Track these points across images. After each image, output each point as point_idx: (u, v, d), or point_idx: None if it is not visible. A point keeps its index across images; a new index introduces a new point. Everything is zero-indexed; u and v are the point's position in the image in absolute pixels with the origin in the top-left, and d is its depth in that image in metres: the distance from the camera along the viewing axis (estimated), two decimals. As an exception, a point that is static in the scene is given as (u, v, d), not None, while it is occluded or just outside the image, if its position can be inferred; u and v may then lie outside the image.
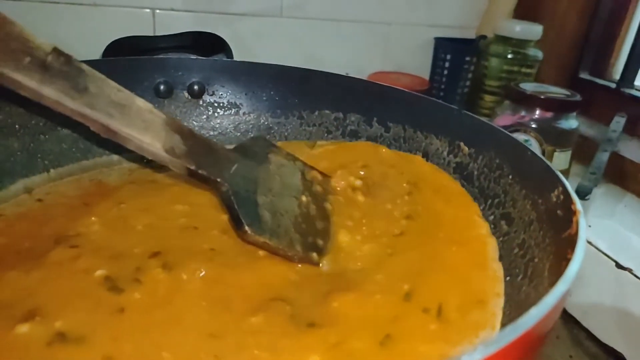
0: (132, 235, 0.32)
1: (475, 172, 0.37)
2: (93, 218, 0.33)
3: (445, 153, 0.40)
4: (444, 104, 0.41)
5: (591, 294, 0.49)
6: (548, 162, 0.30)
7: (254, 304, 0.27)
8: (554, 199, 0.28)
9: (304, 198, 0.35)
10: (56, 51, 0.26)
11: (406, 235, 0.34)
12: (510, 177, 0.33)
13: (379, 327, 0.26)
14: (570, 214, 0.25)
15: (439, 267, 0.31)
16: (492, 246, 0.33)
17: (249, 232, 0.30)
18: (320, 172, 0.39)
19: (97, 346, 0.23)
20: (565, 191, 0.27)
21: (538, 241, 0.28)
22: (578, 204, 0.25)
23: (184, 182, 0.38)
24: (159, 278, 0.28)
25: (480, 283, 0.29)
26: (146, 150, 0.29)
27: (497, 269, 0.31)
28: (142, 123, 0.29)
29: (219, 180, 0.31)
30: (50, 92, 0.26)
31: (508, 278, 0.30)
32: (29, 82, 0.25)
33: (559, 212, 0.27)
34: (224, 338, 0.25)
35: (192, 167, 0.30)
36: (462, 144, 0.38)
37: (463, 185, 0.38)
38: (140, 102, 0.29)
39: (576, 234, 0.23)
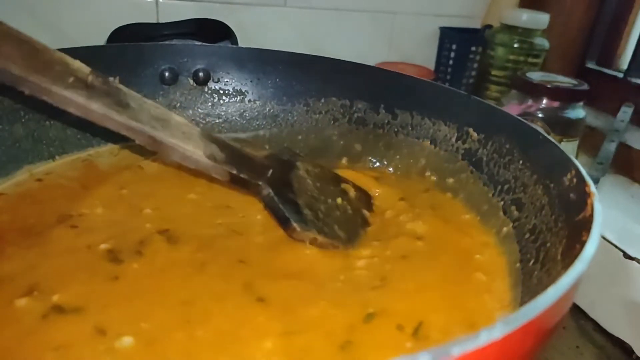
0: (141, 217, 0.33)
1: (485, 158, 0.36)
2: (96, 201, 0.34)
3: (453, 139, 0.39)
4: (453, 89, 0.40)
5: (598, 285, 0.48)
6: (560, 146, 0.29)
7: (226, 265, 0.29)
8: (567, 183, 0.27)
9: (339, 200, 0.36)
10: (93, 73, 0.28)
11: (412, 258, 0.32)
12: (521, 162, 0.33)
13: (335, 332, 0.25)
14: (584, 196, 0.25)
15: (437, 292, 0.29)
16: (506, 272, 0.31)
17: (298, 229, 0.31)
18: (353, 184, 0.39)
19: (89, 316, 0.24)
20: (578, 174, 0.27)
21: (550, 226, 0.28)
22: (592, 186, 0.25)
23: (171, 175, 0.39)
24: (160, 249, 0.29)
25: (480, 308, 0.28)
26: (190, 158, 0.30)
27: (506, 294, 0.29)
28: (182, 134, 0.30)
29: (260, 183, 0.32)
30: (98, 107, 0.27)
31: (518, 265, 0.30)
32: (77, 98, 0.27)
33: (572, 195, 0.27)
34: (194, 305, 0.26)
35: (234, 172, 0.31)
36: (471, 130, 0.38)
37: (472, 172, 0.38)
38: (177, 117, 0.31)
39: (591, 215, 0.23)
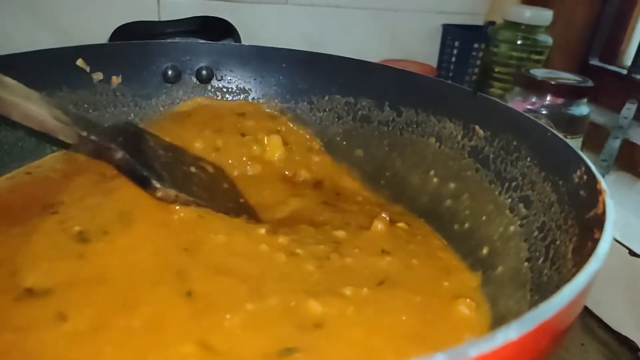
0: (114, 199, 0.33)
1: (491, 156, 0.36)
2: (76, 189, 0.34)
3: (459, 137, 0.39)
4: (458, 86, 0.40)
5: (603, 282, 0.48)
6: (569, 142, 0.29)
7: (173, 249, 0.29)
8: (577, 180, 0.27)
9: (192, 169, 0.35)
10: None
11: (375, 299, 0.29)
12: (529, 159, 0.33)
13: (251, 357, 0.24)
14: (595, 193, 0.24)
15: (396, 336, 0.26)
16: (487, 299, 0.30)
17: (159, 186, 0.30)
18: (208, 162, 0.38)
19: (54, 299, 0.25)
20: (588, 171, 0.26)
21: (559, 223, 0.28)
22: (603, 183, 0.25)
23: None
24: (123, 230, 0.30)
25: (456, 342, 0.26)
26: (34, 118, 0.29)
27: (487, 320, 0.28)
28: (22, 94, 0.29)
29: (112, 146, 0.31)
30: None
31: (527, 264, 0.29)
32: None
33: (582, 192, 0.26)
34: (132, 290, 0.26)
35: (84, 134, 0.30)
36: (477, 127, 0.37)
37: (477, 170, 0.37)
38: (10, 79, 0.30)
39: (603, 213, 0.23)
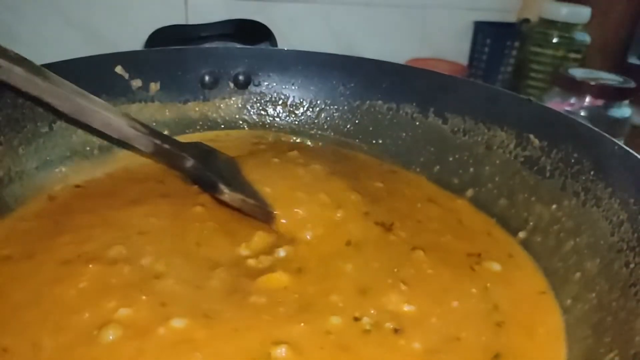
0: None
1: (549, 167, 0.34)
2: None
3: (512, 146, 0.37)
4: (510, 93, 0.38)
5: None
6: (642, 158, 0.27)
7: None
8: (652, 199, 0.26)
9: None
10: (2, 47, 0.29)
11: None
12: (592, 173, 0.31)
13: None
14: (680, 217, 0.23)
15: None
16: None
17: (226, 191, 0.32)
18: None
19: None
20: (667, 191, 0.25)
21: (632, 244, 0.26)
22: (689, 206, 0.23)
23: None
24: None
25: None
26: (112, 126, 0.32)
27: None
28: (104, 107, 0.32)
29: (184, 154, 0.34)
30: (21, 71, 0.29)
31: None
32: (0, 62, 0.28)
33: (659, 213, 0.25)
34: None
35: (158, 142, 0.33)
36: (531, 136, 0.36)
37: (532, 183, 0.35)
38: (94, 97, 0.32)
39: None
